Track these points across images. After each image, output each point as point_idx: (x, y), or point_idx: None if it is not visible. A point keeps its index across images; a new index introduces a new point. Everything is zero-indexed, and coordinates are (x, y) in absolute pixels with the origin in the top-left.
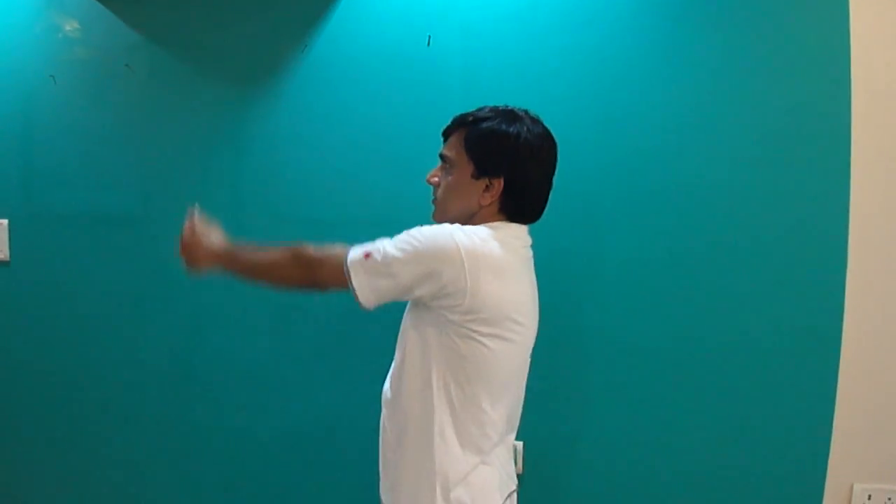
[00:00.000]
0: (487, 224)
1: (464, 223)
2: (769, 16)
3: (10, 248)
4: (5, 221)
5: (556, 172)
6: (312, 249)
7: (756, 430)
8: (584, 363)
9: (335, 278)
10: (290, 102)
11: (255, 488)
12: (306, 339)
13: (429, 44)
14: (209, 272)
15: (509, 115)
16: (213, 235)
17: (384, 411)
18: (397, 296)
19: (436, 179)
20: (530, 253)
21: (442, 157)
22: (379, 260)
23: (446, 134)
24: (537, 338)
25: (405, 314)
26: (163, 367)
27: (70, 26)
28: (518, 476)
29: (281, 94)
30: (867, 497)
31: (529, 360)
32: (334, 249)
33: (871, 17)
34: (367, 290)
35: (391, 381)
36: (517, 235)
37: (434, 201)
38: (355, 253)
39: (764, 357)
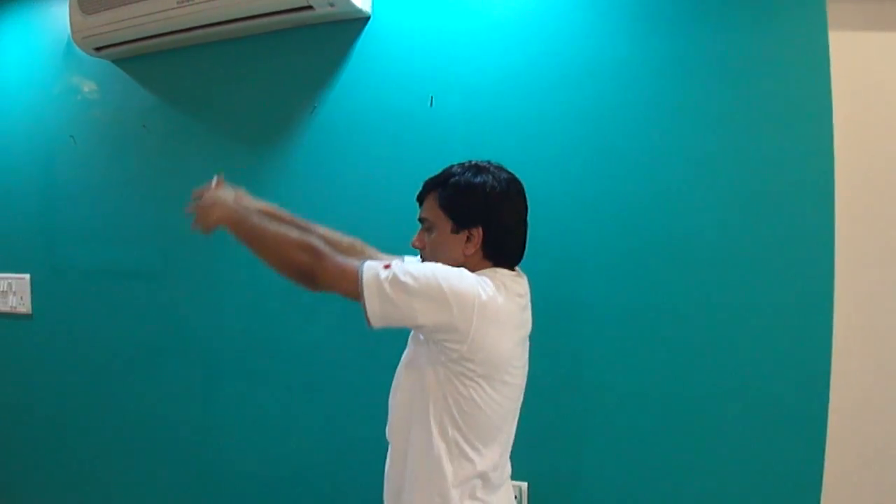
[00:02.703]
0: (486, 272)
1: None
2: (756, 69)
3: (32, 301)
4: (27, 276)
5: (554, 223)
6: (326, 247)
7: (749, 466)
8: (583, 405)
9: (340, 281)
10: (300, 161)
11: None
12: (320, 389)
13: (431, 104)
14: (217, 229)
15: (475, 168)
16: (232, 194)
17: (388, 457)
18: (402, 319)
19: (419, 243)
20: (525, 301)
21: (421, 220)
22: (399, 279)
23: (420, 199)
24: (540, 381)
25: (402, 360)
26: (179, 417)
27: (88, 88)
28: None
29: (291, 153)
30: None
31: (521, 401)
32: (348, 259)
33: (851, 67)
34: (378, 308)
35: (391, 427)
36: (516, 283)
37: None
38: (373, 267)
39: (754, 393)
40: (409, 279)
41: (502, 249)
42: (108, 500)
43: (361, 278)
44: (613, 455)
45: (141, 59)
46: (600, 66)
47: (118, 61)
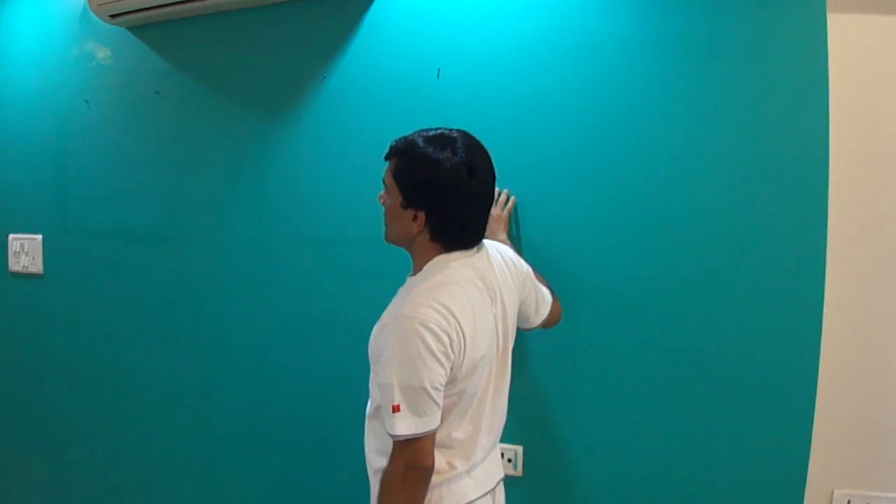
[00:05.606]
0: (439, 269)
1: (407, 247)
2: (754, 53)
3: (44, 261)
4: (39, 237)
5: (552, 193)
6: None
7: (738, 436)
8: (577, 371)
9: (416, 452)
10: (309, 129)
11: (273, 492)
12: (329, 350)
13: (438, 76)
14: None
15: (439, 141)
16: None
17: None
18: (441, 394)
19: (382, 201)
20: (485, 282)
21: (383, 181)
22: (409, 398)
23: (387, 158)
24: (533, 348)
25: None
26: (186, 377)
27: (103, 55)
28: (517, 479)
29: (300, 121)
30: (847, 503)
31: (507, 371)
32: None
33: (849, 50)
34: (428, 424)
35: (369, 406)
36: (468, 266)
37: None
38: (389, 423)
39: (744, 365)
40: (400, 388)
41: (449, 235)
42: (114, 457)
43: (393, 436)
44: (605, 419)
45: (155, 26)
46: (602, 42)
47: (133, 28)
